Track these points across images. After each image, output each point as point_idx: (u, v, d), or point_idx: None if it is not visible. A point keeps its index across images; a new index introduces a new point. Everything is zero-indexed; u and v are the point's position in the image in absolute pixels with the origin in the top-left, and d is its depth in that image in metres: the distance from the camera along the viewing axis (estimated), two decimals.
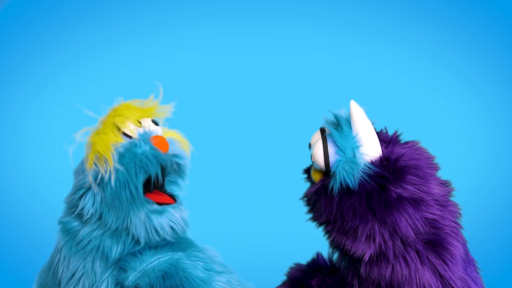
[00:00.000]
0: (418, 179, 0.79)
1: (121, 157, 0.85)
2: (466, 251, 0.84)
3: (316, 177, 0.83)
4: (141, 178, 0.85)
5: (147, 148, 0.87)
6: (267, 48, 1.63)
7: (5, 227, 1.44)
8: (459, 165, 1.45)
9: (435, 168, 0.82)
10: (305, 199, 0.85)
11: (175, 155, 0.89)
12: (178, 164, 0.90)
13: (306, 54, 1.64)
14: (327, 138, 0.81)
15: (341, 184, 0.78)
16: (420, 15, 1.63)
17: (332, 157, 0.80)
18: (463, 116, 1.58)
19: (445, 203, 0.81)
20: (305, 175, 0.87)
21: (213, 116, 1.58)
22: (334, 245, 0.83)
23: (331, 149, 0.80)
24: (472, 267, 0.85)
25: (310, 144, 0.84)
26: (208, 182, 1.46)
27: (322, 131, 0.83)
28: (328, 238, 0.83)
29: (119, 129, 0.87)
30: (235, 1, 1.65)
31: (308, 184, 0.86)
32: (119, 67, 1.61)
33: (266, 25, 1.64)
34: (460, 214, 0.83)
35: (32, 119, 1.59)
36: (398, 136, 0.83)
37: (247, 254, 1.37)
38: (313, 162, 0.82)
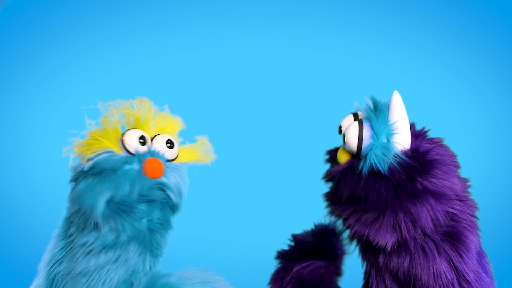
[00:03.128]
0: (443, 174, 0.81)
1: (103, 164, 0.82)
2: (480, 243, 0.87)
3: (344, 158, 0.84)
4: (108, 195, 0.82)
5: (134, 168, 0.83)
6: (267, 48, 1.64)
7: (5, 227, 1.44)
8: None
9: (457, 165, 0.85)
10: (327, 179, 0.86)
11: (162, 184, 0.85)
12: (166, 196, 0.86)
13: (307, 54, 1.64)
14: (363, 122, 0.82)
15: (371, 167, 0.80)
16: (420, 15, 1.63)
17: (366, 141, 0.81)
18: (463, 116, 1.59)
19: (464, 198, 0.84)
20: (327, 156, 0.88)
21: (212, 116, 1.59)
22: (355, 237, 0.84)
23: (366, 133, 0.82)
24: (486, 258, 0.87)
25: (340, 127, 0.85)
26: (207, 182, 1.46)
27: (356, 115, 0.84)
28: (347, 230, 0.84)
29: (122, 139, 0.85)
30: (235, 1, 1.66)
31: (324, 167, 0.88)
32: (119, 67, 1.61)
33: (266, 25, 1.64)
34: (477, 208, 0.85)
35: (32, 119, 1.59)
36: (425, 132, 0.86)
37: (245, 253, 1.37)
38: (344, 143, 0.83)
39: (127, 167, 0.83)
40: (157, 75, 1.62)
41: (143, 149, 0.85)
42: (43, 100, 1.60)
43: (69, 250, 0.87)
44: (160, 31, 1.64)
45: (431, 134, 0.87)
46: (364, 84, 1.59)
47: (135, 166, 0.83)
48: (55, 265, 0.87)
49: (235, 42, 1.64)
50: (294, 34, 1.64)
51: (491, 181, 1.50)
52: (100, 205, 0.82)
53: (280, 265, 0.94)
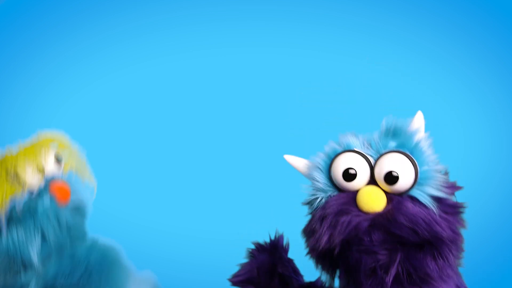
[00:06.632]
0: None
1: (21, 215, 0.74)
2: None
3: (379, 202, 0.75)
4: (39, 243, 0.74)
5: (48, 202, 0.75)
6: (267, 48, 1.63)
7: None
8: (458, 165, 1.45)
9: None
10: None
11: (76, 207, 0.79)
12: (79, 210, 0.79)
13: (307, 54, 1.64)
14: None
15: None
16: (420, 15, 1.63)
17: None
18: (463, 116, 1.58)
19: None
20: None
21: (212, 116, 1.59)
22: None
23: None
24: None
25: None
26: (206, 182, 1.46)
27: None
28: None
29: (15, 175, 0.77)
30: (235, 1, 1.65)
31: None
32: (120, 67, 1.61)
33: (266, 25, 1.64)
34: None
35: (32, 119, 1.59)
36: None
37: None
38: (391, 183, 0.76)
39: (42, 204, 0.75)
40: (157, 75, 1.62)
41: (38, 179, 0.77)
42: (43, 100, 1.60)
43: None
44: (160, 31, 1.64)
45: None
46: (364, 84, 1.59)
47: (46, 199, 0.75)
48: None
49: (235, 42, 1.64)
50: (294, 34, 1.64)
51: (491, 182, 1.50)
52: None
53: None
